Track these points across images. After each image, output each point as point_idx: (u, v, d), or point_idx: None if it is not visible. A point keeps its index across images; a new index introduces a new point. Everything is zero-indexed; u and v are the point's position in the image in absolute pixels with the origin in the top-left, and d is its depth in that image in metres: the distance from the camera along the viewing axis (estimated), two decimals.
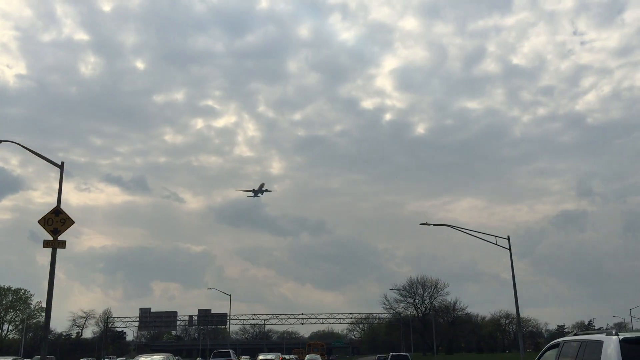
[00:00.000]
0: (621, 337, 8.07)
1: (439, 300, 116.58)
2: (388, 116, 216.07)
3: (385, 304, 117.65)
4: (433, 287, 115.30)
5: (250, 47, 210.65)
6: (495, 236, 32.23)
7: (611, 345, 7.87)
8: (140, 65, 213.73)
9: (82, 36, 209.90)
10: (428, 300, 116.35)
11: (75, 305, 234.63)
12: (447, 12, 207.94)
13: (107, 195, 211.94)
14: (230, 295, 70.55)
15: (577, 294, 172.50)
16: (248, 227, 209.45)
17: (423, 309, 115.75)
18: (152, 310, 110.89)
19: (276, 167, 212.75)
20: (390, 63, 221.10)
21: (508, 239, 32.06)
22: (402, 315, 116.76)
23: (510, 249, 31.37)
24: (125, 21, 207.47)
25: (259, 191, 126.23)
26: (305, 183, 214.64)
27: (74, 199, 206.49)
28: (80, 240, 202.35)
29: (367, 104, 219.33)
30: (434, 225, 32.98)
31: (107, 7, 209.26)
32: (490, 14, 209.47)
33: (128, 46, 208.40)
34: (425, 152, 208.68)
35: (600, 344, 8.19)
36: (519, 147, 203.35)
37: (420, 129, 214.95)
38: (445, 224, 33.15)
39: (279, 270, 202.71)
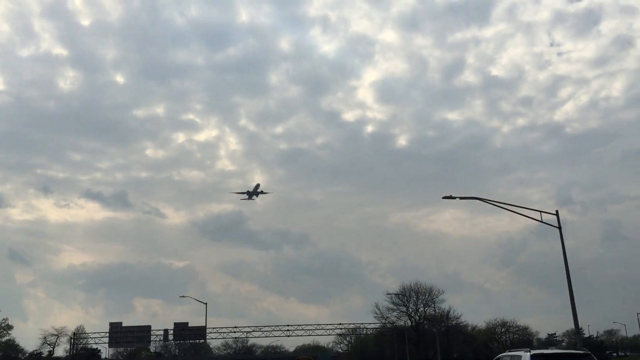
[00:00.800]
0: (532, 353, 13.34)
1: (433, 308, 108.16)
2: (370, 128, 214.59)
3: (376, 313, 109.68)
4: (427, 294, 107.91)
5: (231, 61, 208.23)
6: (541, 211, 25.47)
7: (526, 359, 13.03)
8: (120, 79, 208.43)
9: (60, 51, 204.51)
10: (422, 308, 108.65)
11: (55, 324, 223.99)
12: (425, 25, 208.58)
13: (87, 212, 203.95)
14: (206, 304, 62.98)
15: (560, 303, 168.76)
16: (231, 242, 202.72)
17: (417, 318, 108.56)
18: (123, 325, 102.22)
19: (258, 180, 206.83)
20: (371, 75, 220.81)
21: (557, 214, 25.31)
22: (394, 324, 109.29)
23: (560, 227, 24.54)
24: (105, 35, 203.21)
25: (253, 193, 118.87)
26: (287, 196, 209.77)
27: (53, 215, 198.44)
28: (60, 257, 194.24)
29: (349, 116, 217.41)
30: (460, 198, 26.10)
31: (85, 22, 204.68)
32: (468, 26, 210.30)
33: (108, 60, 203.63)
34: (407, 163, 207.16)
35: (519, 357, 13.33)
36: (500, 157, 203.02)
37: (402, 141, 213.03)
38: (474, 196, 26.32)
39: (262, 285, 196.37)
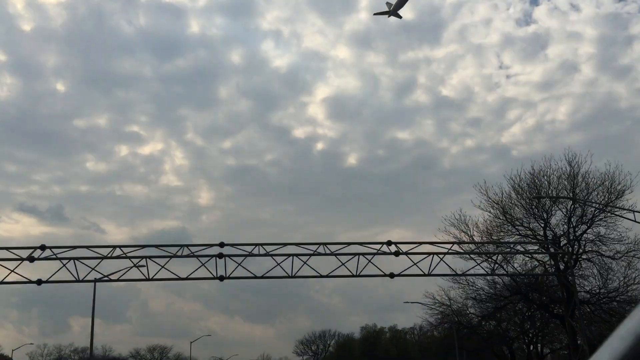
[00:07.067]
0: None
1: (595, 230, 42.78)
2: (320, 145, 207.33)
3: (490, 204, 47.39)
4: (603, 185, 42.72)
5: (180, 72, 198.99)
6: None
7: None
8: (61, 87, 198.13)
9: None
10: (583, 222, 43.13)
11: None
12: (378, 43, 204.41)
13: (23, 226, 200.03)
14: None
15: None
16: (175, 259, 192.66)
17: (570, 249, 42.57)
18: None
19: (205, 197, 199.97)
20: (322, 91, 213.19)
21: None
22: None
23: None
24: (47, 41, 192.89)
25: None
26: (234, 213, 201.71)
27: None
28: None
29: (299, 132, 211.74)
30: None
31: (27, 27, 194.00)
32: (420, 46, 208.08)
33: (49, 67, 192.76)
34: (356, 182, 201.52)
35: None
36: (448, 179, 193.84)
37: (352, 159, 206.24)
38: None
39: (206, 304, 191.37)
